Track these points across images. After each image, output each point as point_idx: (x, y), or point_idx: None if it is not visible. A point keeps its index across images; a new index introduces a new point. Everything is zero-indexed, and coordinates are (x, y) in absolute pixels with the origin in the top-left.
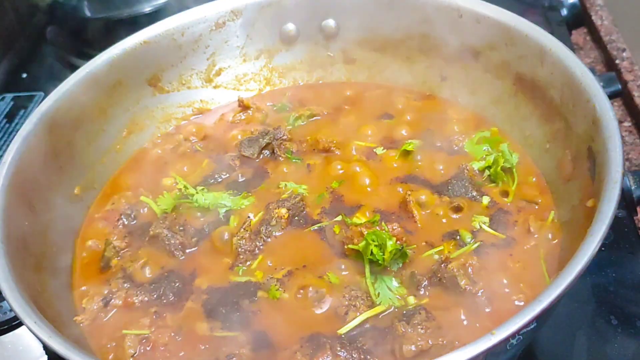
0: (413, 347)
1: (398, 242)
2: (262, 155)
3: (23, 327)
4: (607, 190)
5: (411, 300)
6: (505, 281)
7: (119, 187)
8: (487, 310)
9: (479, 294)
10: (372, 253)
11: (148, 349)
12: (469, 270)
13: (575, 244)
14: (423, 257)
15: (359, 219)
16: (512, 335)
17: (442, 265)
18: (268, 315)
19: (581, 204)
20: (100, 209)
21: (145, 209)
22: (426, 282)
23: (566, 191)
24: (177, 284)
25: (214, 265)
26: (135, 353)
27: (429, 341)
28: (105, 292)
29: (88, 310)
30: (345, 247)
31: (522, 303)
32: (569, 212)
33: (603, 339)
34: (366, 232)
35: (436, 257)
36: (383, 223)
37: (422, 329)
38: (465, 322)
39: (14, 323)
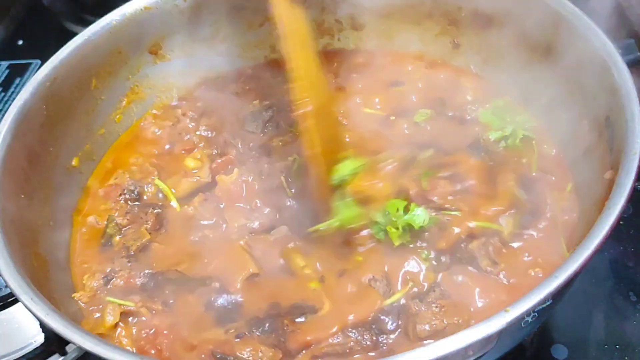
0: (427, 327)
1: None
2: (266, 130)
3: (19, 304)
4: (625, 161)
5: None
6: (525, 259)
7: (119, 162)
8: (507, 288)
9: (500, 275)
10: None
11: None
12: (490, 249)
13: (592, 217)
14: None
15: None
16: (527, 313)
17: (463, 245)
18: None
19: (599, 176)
20: (102, 183)
21: (152, 187)
22: (448, 260)
23: (583, 163)
24: None
25: None
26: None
27: (444, 320)
28: (108, 270)
29: (88, 287)
30: None
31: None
32: (586, 184)
33: (621, 315)
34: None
35: (457, 230)
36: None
37: (436, 307)
38: (482, 302)
39: (9, 300)
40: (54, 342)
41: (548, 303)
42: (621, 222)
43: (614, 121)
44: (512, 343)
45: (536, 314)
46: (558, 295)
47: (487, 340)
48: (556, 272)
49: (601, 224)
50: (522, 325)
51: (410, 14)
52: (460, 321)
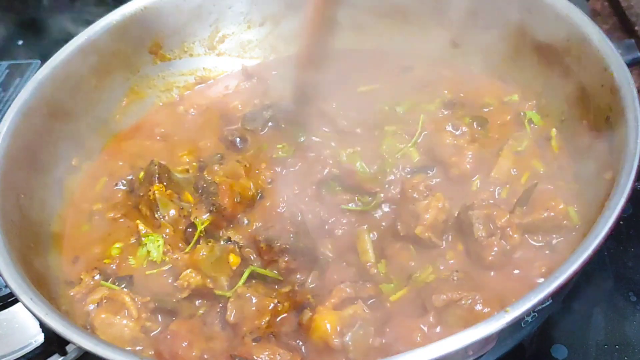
0: (443, 297)
1: None
2: (267, 128)
3: (19, 304)
4: (625, 161)
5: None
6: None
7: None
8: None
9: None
10: None
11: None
12: (490, 224)
13: (592, 217)
14: None
15: None
16: (527, 313)
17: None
18: None
19: (599, 176)
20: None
21: None
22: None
23: (583, 163)
24: None
25: None
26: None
27: (459, 292)
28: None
29: (84, 283)
30: None
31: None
32: (586, 184)
33: (621, 316)
34: None
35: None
36: None
37: (456, 278)
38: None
39: (9, 300)
40: (54, 342)
41: (548, 303)
42: (621, 222)
43: (614, 122)
44: (512, 343)
45: (536, 314)
46: (558, 295)
47: (487, 340)
48: (556, 272)
49: (601, 224)
50: (522, 325)
51: (411, 15)
52: (470, 301)
